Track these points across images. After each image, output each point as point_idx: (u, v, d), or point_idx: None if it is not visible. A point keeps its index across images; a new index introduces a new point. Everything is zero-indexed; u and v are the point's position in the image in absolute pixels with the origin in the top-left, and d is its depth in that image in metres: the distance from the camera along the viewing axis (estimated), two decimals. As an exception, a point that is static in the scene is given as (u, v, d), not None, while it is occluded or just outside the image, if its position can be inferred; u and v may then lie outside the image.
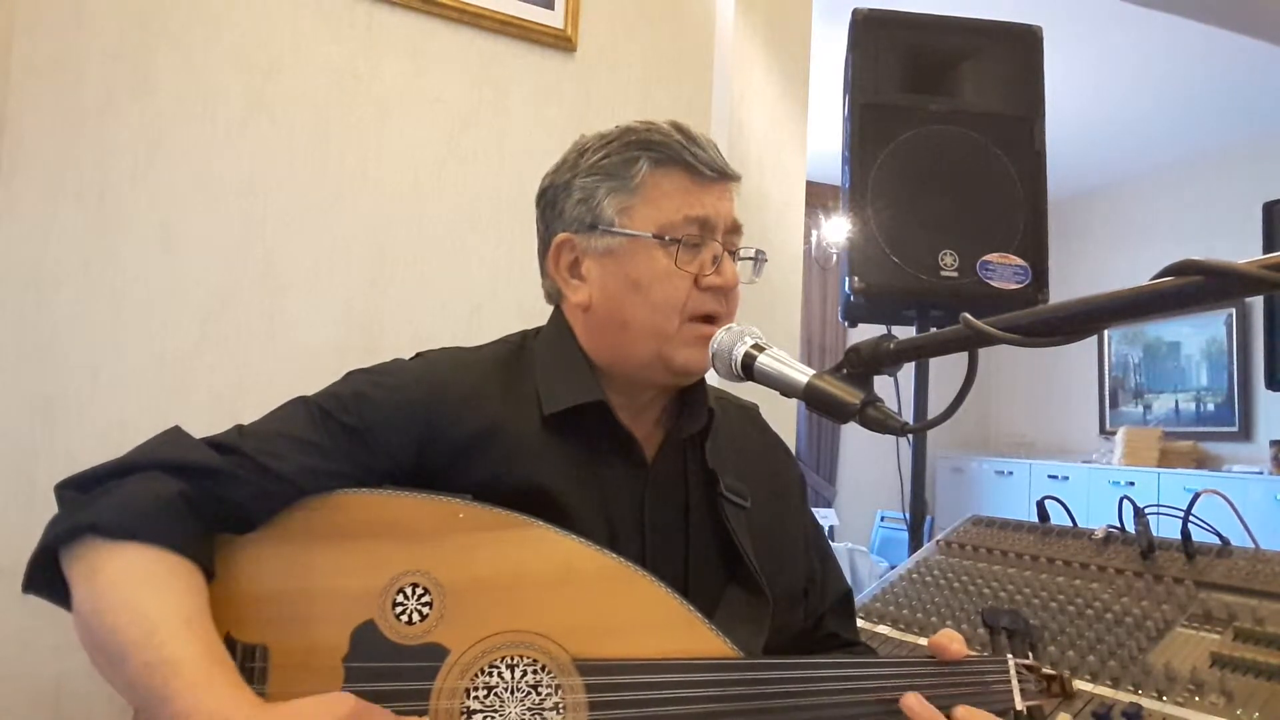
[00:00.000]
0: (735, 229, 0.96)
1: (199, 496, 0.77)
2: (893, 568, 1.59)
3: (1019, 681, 0.86)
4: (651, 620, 0.81)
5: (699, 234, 0.92)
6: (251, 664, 0.75)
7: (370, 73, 1.68)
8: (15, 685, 1.37)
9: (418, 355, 0.97)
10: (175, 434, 0.84)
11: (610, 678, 0.77)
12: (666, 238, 0.91)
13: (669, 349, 0.91)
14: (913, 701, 0.80)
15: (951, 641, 0.86)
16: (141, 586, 0.72)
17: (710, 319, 0.92)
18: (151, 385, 1.48)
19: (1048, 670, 0.88)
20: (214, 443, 0.82)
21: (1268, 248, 2.32)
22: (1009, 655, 0.87)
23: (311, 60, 1.63)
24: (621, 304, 0.93)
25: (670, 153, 0.92)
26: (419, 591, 0.77)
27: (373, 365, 0.94)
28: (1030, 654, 0.88)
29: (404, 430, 0.87)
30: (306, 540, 0.80)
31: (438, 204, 1.73)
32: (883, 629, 1.28)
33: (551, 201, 1.00)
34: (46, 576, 0.77)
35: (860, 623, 1.22)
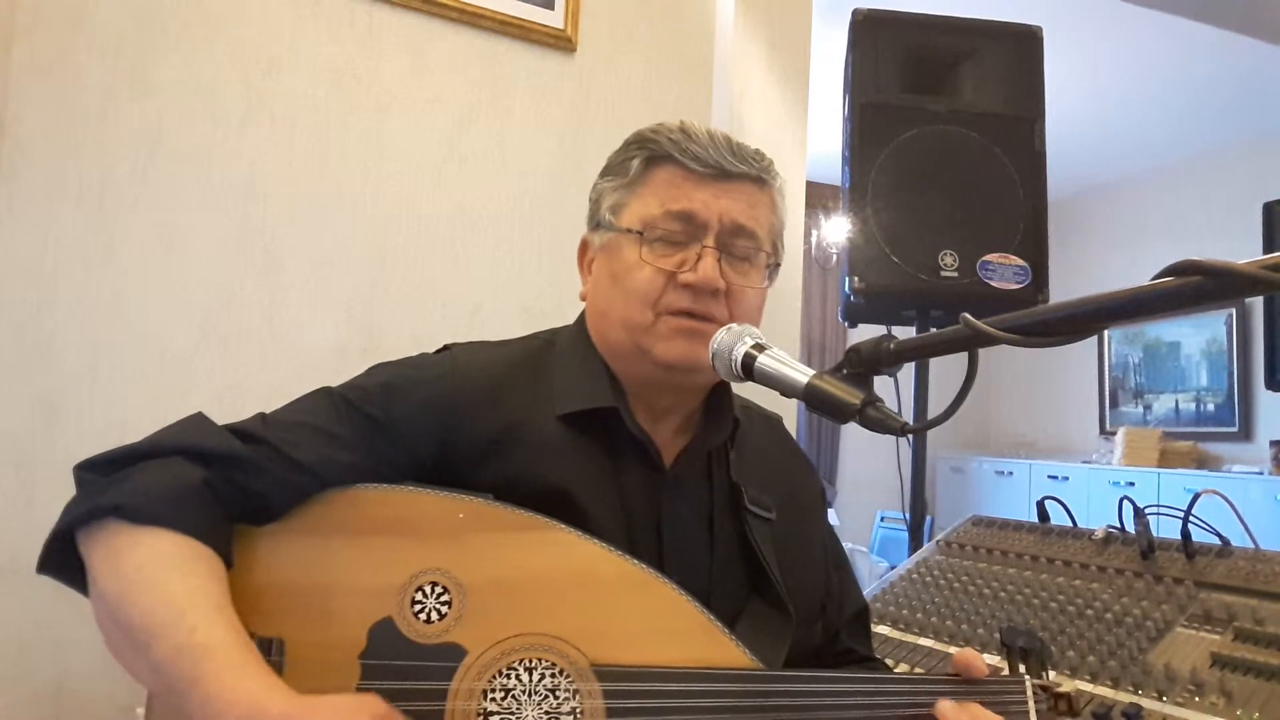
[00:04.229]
0: (736, 230, 0.92)
1: (221, 484, 0.77)
2: (893, 568, 1.59)
3: (1034, 702, 0.86)
4: (670, 627, 0.80)
5: (680, 229, 0.91)
6: (268, 657, 0.74)
7: (370, 73, 1.68)
8: (15, 685, 1.37)
9: (444, 348, 0.97)
10: (198, 420, 0.83)
11: (628, 684, 0.76)
12: (641, 231, 0.91)
13: (647, 341, 0.91)
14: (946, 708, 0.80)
15: (975, 660, 0.85)
16: (169, 571, 0.71)
17: (687, 315, 0.90)
18: (151, 385, 1.48)
19: (1061, 689, 0.88)
20: (238, 430, 0.82)
21: (1268, 248, 2.32)
22: (1026, 676, 0.87)
23: (311, 60, 1.63)
24: (605, 295, 0.94)
25: (660, 149, 0.92)
26: (438, 590, 0.77)
27: (398, 359, 0.94)
28: (1044, 674, 0.89)
29: (427, 425, 0.87)
30: (326, 534, 0.79)
31: (438, 204, 1.73)
32: (883, 629, 1.28)
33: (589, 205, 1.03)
34: (62, 558, 0.76)
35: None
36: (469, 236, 1.75)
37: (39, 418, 1.41)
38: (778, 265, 0.98)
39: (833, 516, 5.53)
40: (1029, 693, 0.86)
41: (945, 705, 0.80)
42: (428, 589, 0.77)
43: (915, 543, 2.16)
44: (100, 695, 1.37)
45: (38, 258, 1.42)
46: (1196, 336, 5.33)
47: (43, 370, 1.42)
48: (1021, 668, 0.88)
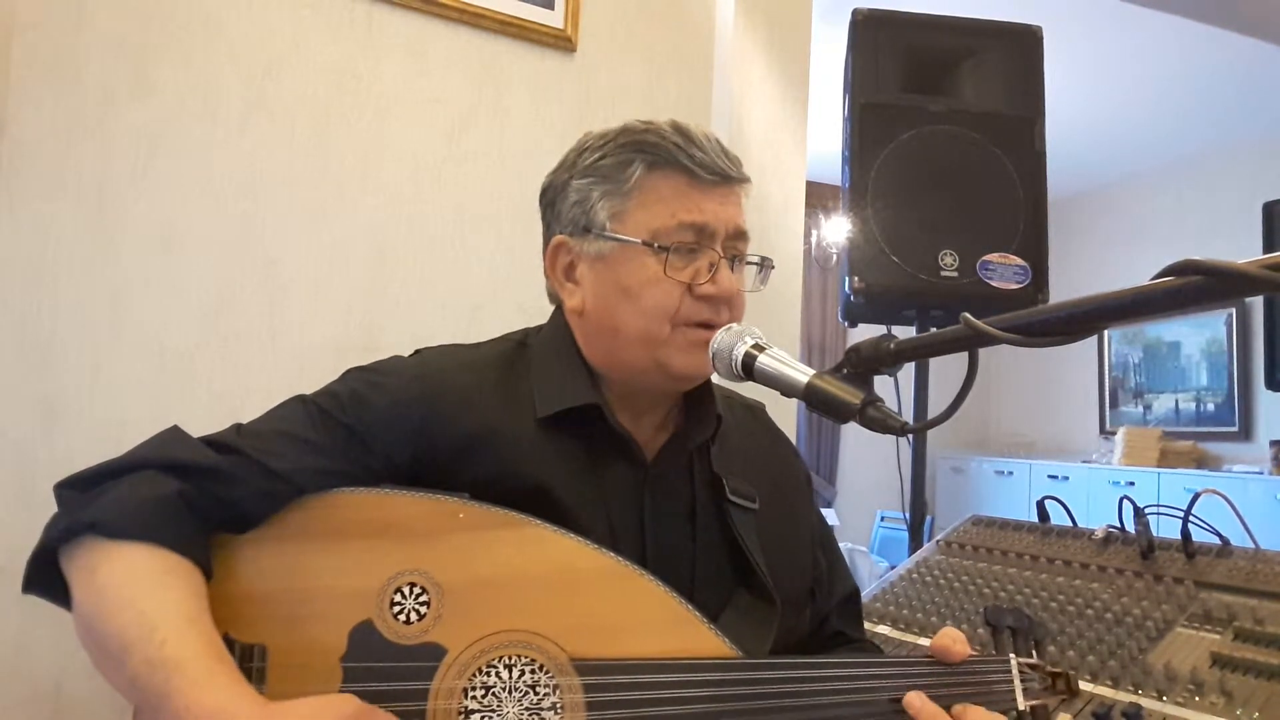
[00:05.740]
0: (739, 235, 0.93)
1: (198, 496, 0.77)
2: (893, 568, 1.59)
3: (1022, 681, 0.86)
4: (650, 620, 0.80)
5: (694, 240, 0.90)
6: (250, 664, 0.75)
7: (370, 73, 1.68)
8: (15, 685, 1.37)
9: (416, 353, 0.97)
10: (174, 433, 0.84)
11: (608, 677, 0.77)
12: (657, 244, 0.89)
13: (664, 355, 0.90)
14: (915, 700, 0.80)
15: (954, 643, 0.85)
16: (142, 585, 0.72)
17: (705, 326, 0.90)
18: (151, 385, 1.48)
19: (1052, 668, 0.88)
20: (212, 442, 0.82)
21: (1268, 248, 2.32)
22: (1011, 655, 0.87)
23: (311, 60, 1.63)
24: (612, 310, 0.92)
25: (665, 154, 0.90)
26: (417, 591, 0.77)
27: (370, 363, 0.94)
28: (1035, 652, 0.88)
29: (401, 429, 0.87)
30: (304, 540, 0.79)
31: (438, 204, 1.73)
32: (883, 629, 1.28)
33: (550, 202, 0.99)
34: (45, 576, 0.77)
35: (860, 623, 1.22)
36: (469, 236, 1.75)
37: (39, 418, 1.41)
38: (771, 267, 0.97)
39: (833, 516, 5.55)
40: (1014, 672, 0.86)
41: (912, 697, 0.80)
42: (406, 590, 0.77)
43: (915, 543, 2.16)
44: (100, 695, 1.37)
45: (38, 257, 1.42)
46: (1196, 336, 5.33)
47: (43, 370, 1.42)
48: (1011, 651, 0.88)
